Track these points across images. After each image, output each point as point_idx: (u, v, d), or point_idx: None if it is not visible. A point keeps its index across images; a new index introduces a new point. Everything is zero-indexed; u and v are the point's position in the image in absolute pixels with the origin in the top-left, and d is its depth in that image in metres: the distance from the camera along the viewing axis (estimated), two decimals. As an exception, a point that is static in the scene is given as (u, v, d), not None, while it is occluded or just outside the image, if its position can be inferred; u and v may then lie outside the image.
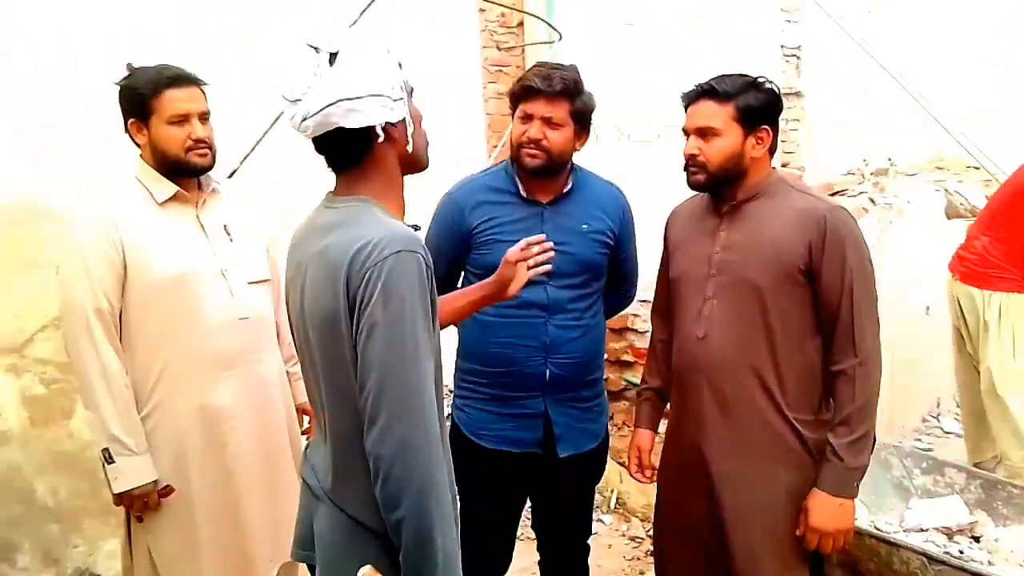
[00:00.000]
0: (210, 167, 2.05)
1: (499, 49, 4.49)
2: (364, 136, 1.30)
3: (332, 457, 1.33)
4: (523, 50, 4.52)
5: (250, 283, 2.10)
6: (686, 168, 1.92)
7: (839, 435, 1.79)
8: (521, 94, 2.00)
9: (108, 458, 1.93)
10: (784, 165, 5.93)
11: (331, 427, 1.33)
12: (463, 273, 2.17)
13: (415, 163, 1.41)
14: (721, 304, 1.90)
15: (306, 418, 2.51)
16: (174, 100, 1.95)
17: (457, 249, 2.11)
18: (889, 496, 2.55)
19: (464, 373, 2.17)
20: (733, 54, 5.28)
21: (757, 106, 1.83)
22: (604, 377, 2.28)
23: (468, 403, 2.16)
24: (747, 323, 1.85)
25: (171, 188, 1.99)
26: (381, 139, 1.31)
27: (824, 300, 1.81)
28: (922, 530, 2.27)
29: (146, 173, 2.01)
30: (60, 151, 3.01)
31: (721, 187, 1.90)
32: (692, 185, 1.93)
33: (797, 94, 6.13)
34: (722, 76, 1.86)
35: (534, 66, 2.07)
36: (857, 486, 1.81)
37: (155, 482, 1.96)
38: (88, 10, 3.05)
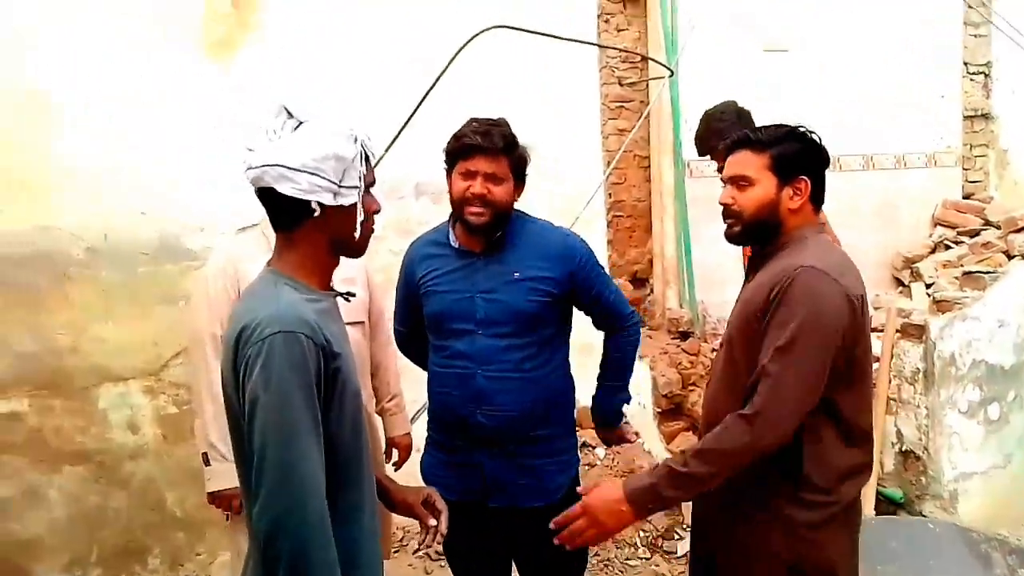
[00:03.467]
0: None
1: (621, 85, 4.43)
2: (298, 206, 1.36)
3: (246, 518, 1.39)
4: (647, 85, 4.43)
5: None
6: (724, 219, 1.84)
7: (675, 458, 1.64)
8: (460, 152, 2.00)
9: (206, 461, 2.25)
10: (968, 196, 5.30)
11: (242, 488, 1.39)
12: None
13: (352, 248, 1.46)
14: (721, 353, 1.83)
15: (395, 451, 2.66)
16: None
17: (411, 301, 2.18)
18: (985, 598, 2.18)
19: (428, 419, 2.22)
20: (905, 74, 4.84)
21: (793, 155, 1.75)
22: (568, 434, 2.17)
23: (427, 448, 2.21)
24: (722, 377, 1.78)
25: None
26: (316, 215, 1.36)
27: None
28: (1010, 645, 1.92)
29: (267, 224, 2.29)
30: (194, 198, 3.41)
31: (756, 239, 1.80)
32: (728, 237, 1.84)
33: (986, 116, 5.46)
34: (761, 127, 1.81)
35: (468, 122, 2.04)
36: (649, 510, 1.66)
37: None
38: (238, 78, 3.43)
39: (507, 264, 2.05)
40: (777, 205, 1.75)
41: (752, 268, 1.83)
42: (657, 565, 3.46)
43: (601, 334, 2.28)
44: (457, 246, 2.10)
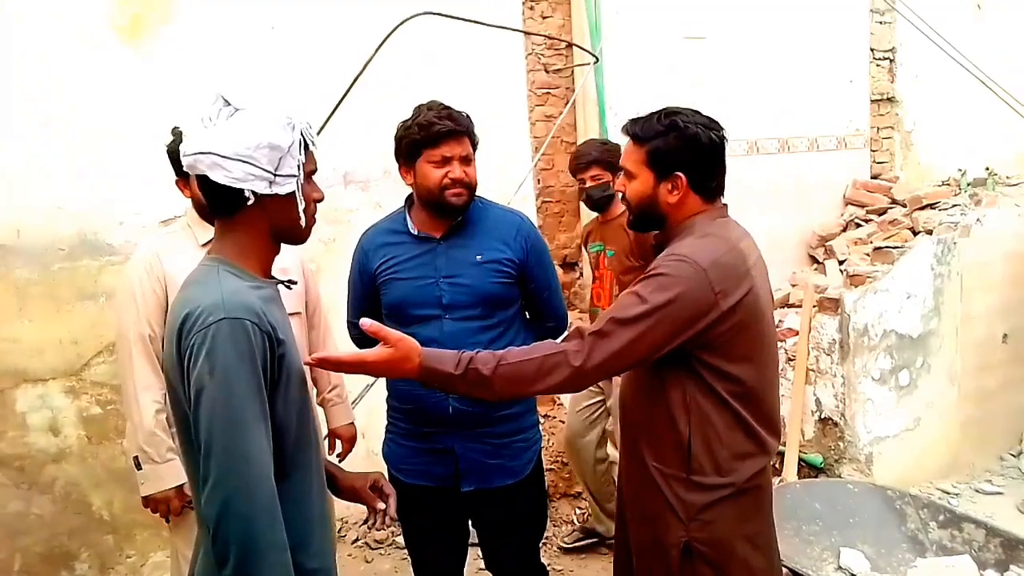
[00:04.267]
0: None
1: (547, 72, 4.48)
2: (232, 194, 1.36)
3: (194, 505, 1.38)
4: (572, 72, 4.49)
5: None
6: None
7: (486, 361, 1.58)
8: (430, 139, 2.00)
9: (137, 465, 2.20)
10: (876, 177, 5.57)
11: (188, 477, 1.38)
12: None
13: (293, 236, 1.46)
14: None
15: (338, 442, 2.64)
16: None
17: (368, 291, 2.16)
18: (900, 550, 2.33)
19: (389, 409, 2.22)
20: (816, 60, 5.04)
21: (667, 151, 1.69)
22: (531, 411, 2.21)
23: (391, 438, 2.21)
24: (632, 374, 1.78)
25: (211, 232, 2.18)
26: (251, 203, 1.36)
27: None
28: (923, 592, 2.06)
29: (192, 218, 2.29)
30: (113, 191, 3.30)
31: (648, 227, 1.81)
32: (627, 224, 1.87)
33: (891, 100, 5.73)
34: (643, 117, 1.75)
35: (422, 110, 2.04)
36: (430, 381, 1.61)
37: (179, 488, 2.17)
38: (149, 65, 3.32)
39: (468, 248, 2.06)
40: (656, 199, 1.72)
41: (653, 258, 1.80)
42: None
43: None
44: (416, 233, 2.09)
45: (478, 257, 2.05)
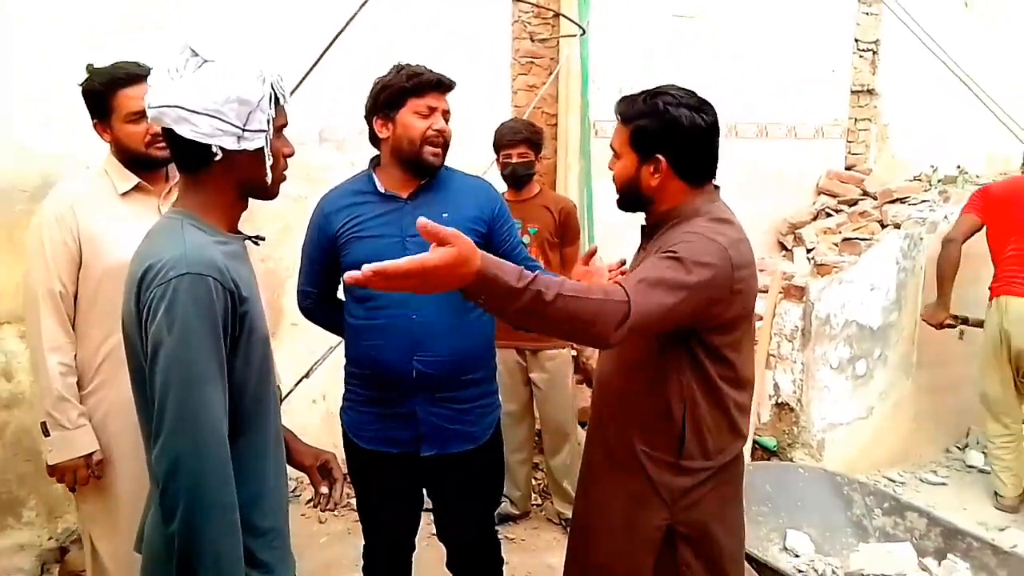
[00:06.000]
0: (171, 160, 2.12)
1: (532, 41, 4.42)
2: (199, 149, 1.32)
3: (146, 461, 1.37)
4: (558, 42, 4.44)
5: None
6: None
7: (550, 286, 1.35)
8: (419, 88, 1.99)
9: (45, 431, 2.01)
10: (850, 168, 5.61)
11: (142, 431, 1.36)
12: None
13: (262, 192, 1.42)
14: None
15: None
16: (128, 98, 2.02)
17: (326, 255, 2.12)
18: (844, 535, 2.39)
19: (347, 375, 2.19)
20: (801, 48, 5.04)
21: (649, 132, 1.64)
22: (491, 378, 2.20)
23: (350, 404, 2.18)
24: (611, 354, 1.77)
25: (132, 180, 2.06)
26: (218, 158, 1.32)
27: None
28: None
29: (111, 164, 2.10)
30: (73, 132, 3.20)
31: (633, 208, 1.76)
32: (616, 203, 1.80)
33: (871, 92, 5.75)
34: (631, 96, 1.70)
35: (403, 66, 2.04)
36: (478, 298, 1.34)
37: (88, 455, 2.00)
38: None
39: (435, 207, 2.02)
40: (638, 181, 1.68)
41: (644, 237, 1.79)
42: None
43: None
44: (384, 191, 2.06)
45: (444, 215, 2.00)
